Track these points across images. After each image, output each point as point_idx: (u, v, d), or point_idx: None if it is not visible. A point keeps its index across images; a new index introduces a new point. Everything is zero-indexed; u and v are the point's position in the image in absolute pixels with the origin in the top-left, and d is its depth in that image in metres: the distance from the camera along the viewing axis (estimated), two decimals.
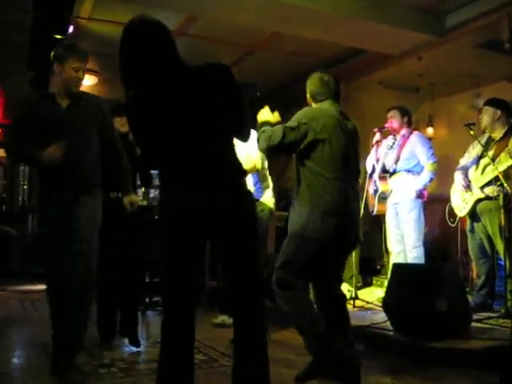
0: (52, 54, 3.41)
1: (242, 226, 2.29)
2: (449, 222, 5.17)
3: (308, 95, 3.36)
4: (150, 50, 2.27)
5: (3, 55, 6.76)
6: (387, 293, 4.24)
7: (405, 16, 5.74)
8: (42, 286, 3.74)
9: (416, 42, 6.08)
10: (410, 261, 5.12)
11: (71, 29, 5.72)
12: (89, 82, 7.63)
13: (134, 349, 3.95)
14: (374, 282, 6.57)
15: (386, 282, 5.04)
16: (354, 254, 5.45)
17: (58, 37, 5.63)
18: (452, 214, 5.08)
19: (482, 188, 4.62)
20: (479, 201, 4.66)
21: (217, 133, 2.27)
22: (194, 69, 2.28)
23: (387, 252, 5.68)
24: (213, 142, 2.26)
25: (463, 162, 4.95)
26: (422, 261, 5.16)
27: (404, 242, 5.23)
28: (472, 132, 4.64)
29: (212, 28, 6.06)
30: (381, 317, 4.33)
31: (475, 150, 4.84)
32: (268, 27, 5.95)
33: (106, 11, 5.70)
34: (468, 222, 4.87)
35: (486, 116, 4.73)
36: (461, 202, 4.85)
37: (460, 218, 5.01)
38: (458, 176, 4.89)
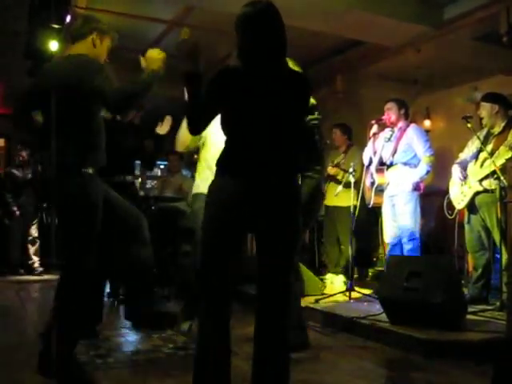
0: (90, 22, 3.22)
1: (287, 220, 2.32)
2: (447, 215, 5.19)
3: None
4: (275, 36, 2.40)
5: (1, 44, 6.74)
6: (383, 284, 4.25)
7: (403, 7, 5.72)
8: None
9: (414, 34, 6.07)
10: (406, 253, 5.14)
11: (69, 18, 5.69)
12: None
13: (131, 339, 3.95)
14: (370, 274, 6.59)
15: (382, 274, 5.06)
16: (350, 245, 5.48)
17: (56, 26, 5.60)
18: (450, 206, 5.10)
19: (480, 181, 4.64)
20: (477, 194, 4.69)
21: (290, 134, 2.37)
22: (291, 70, 2.52)
23: (383, 244, 5.70)
24: (285, 141, 2.35)
25: (463, 156, 4.97)
26: (417, 253, 5.18)
27: (400, 234, 5.25)
28: (469, 125, 4.65)
29: (209, 18, 6.04)
30: (376, 308, 4.34)
31: (474, 144, 4.85)
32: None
33: (104, 1, 5.68)
34: (466, 214, 4.90)
35: (485, 112, 4.74)
36: (459, 194, 4.88)
37: (458, 210, 5.02)
38: (456, 169, 4.92)
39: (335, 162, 6.17)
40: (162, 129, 4.20)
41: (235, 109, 2.33)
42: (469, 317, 4.04)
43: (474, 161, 4.78)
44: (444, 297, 3.70)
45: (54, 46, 5.83)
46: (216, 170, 2.36)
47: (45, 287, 6.62)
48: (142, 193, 6.25)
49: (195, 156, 4.39)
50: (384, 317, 4.08)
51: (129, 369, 3.33)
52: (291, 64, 3.32)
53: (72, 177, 2.94)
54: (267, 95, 2.30)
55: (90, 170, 2.99)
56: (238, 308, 4.71)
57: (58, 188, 2.95)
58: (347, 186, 5.75)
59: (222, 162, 2.36)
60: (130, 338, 3.96)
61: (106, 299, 5.53)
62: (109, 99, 2.95)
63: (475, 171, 4.72)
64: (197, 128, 2.51)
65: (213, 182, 2.36)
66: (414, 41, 6.24)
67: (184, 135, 4.04)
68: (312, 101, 3.10)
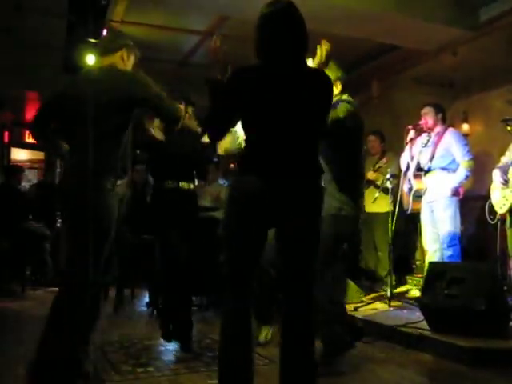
0: (118, 38, 3.46)
1: (310, 218, 2.33)
2: (489, 220, 5.09)
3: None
4: (294, 34, 2.43)
5: (39, 60, 6.90)
6: (423, 292, 4.19)
7: (438, 11, 5.66)
8: None
9: (450, 37, 5.99)
10: (446, 259, 5.06)
11: (105, 32, 5.79)
12: None
13: (171, 348, 3.97)
14: (409, 280, 6.49)
15: (421, 281, 4.98)
16: (388, 252, 5.42)
17: (93, 40, 5.70)
18: (492, 211, 5.01)
19: None
20: None
21: (312, 134, 2.37)
22: (312, 68, 2.59)
23: (422, 250, 5.62)
24: (306, 140, 2.35)
25: (504, 160, 4.89)
26: (458, 259, 5.09)
27: (440, 240, 5.17)
28: (509, 128, 4.58)
29: (243, 28, 6.04)
30: (417, 316, 4.28)
31: None
32: None
33: (139, 14, 5.77)
34: (508, 218, 4.81)
35: None
36: (501, 198, 4.80)
37: (500, 215, 4.93)
38: (496, 173, 4.85)
39: (376, 166, 6.10)
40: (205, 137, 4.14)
41: (255, 107, 2.32)
42: None
43: None
44: (487, 304, 3.63)
45: (91, 59, 5.95)
46: (238, 169, 2.39)
47: None
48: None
49: (231, 165, 4.40)
50: (424, 324, 4.01)
51: (169, 377, 3.34)
52: (334, 67, 3.34)
53: (95, 189, 2.87)
54: (288, 93, 2.30)
55: (112, 182, 2.97)
56: None
57: (83, 198, 2.86)
58: (385, 191, 5.70)
59: (243, 161, 2.37)
60: (169, 347, 3.98)
61: (145, 309, 5.61)
62: (165, 111, 3.13)
63: None
64: (216, 133, 2.54)
65: (234, 180, 2.41)
66: (450, 44, 6.16)
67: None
68: None
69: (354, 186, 3.40)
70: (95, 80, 3.16)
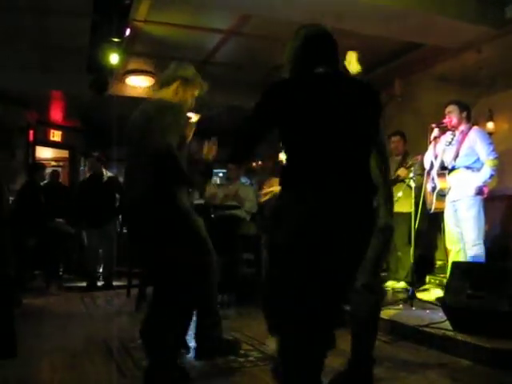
0: (177, 70, 3.41)
1: (361, 245, 2.27)
2: None
3: None
4: (333, 53, 2.44)
5: (64, 60, 6.98)
6: (446, 292, 4.15)
7: (463, 8, 5.59)
8: None
9: (475, 34, 5.92)
10: (469, 259, 5.00)
11: (128, 31, 5.84)
12: (145, 83, 7.80)
13: (191, 345, 3.96)
14: (431, 280, 6.44)
15: (444, 281, 4.94)
16: (411, 252, 5.37)
17: (116, 40, 5.76)
18: None
19: None
20: None
21: (365, 149, 2.31)
22: (355, 81, 2.55)
23: (446, 250, 5.56)
24: (360, 156, 2.27)
25: None
26: (482, 259, 5.02)
27: (463, 239, 5.11)
28: None
29: (265, 26, 6.07)
30: (439, 316, 4.24)
31: None
32: (323, 24, 5.90)
33: (162, 13, 5.80)
34: None
35: None
36: None
37: None
38: None
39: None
40: (208, 154, 3.93)
41: (299, 122, 2.20)
42: None
43: None
44: (511, 305, 3.58)
45: (114, 59, 6.02)
46: (283, 187, 2.26)
47: (107, 295, 6.79)
48: (201, 201, 6.30)
49: (253, 164, 4.39)
50: (447, 325, 3.98)
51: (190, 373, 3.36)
52: (354, 58, 3.28)
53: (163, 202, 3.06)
54: (334, 106, 2.22)
55: (177, 195, 3.11)
56: None
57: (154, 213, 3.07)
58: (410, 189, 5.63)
59: (289, 179, 2.25)
60: (190, 344, 3.99)
61: None
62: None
63: None
64: (246, 154, 2.50)
65: (283, 198, 2.25)
66: (475, 41, 6.08)
67: None
68: None
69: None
70: (140, 110, 3.30)
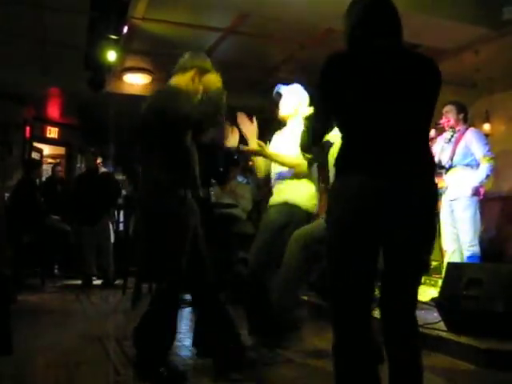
0: (195, 58, 3.40)
1: (427, 228, 2.11)
2: None
3: None
4: (392, 19, 2.32)
5: (61, 57, 6.96)
6: (441, 292, 4.16)
7: (460, 9, 5.60)
8: None
9: (472, 36, 5.93)
10: (465, 260, 5.02)
11: (126, 29, 5.84)
12: (142, 80, 7.79)
13: (187, 344, 3.97)
14: (426, 281, 6.45)
15: (439, 282, 4.94)
16: None
17: (114, 37, 5.76)
18: None
19: None
20: None
21: (423, 123, 2.16)
22: (415, 54, 2.25)
23: (441, 251, 5.57)
24: (419, 129, 2.14)
25: None
26: (477, 260, 5.04)
27: (459, 240, 5.13)
28: None
29: (264, 25, 6.07)
30: (434, 317, 4.25)
31: None
32: (321, 24, 5.91)
33: (160, 11, 5.79)
34: None
35: None
36: None
37: None
38: None
39: None
40: (231, 141, 3.82)
41: (358, 98, 2.07)
42: None
43: None
44: (506, 306, 3.59)
45: (111, 56, 6.01)
46: (337, 170, 2.13)
47: (103, 292, 6.78)
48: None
49: (250, 163, 4.36)
50: (442, 325, 3.98)
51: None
52: None
53: (165, 197, 3.13)
54: (394, 80, 2.08)
55: (182, 192, 3.14)
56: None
57: (151, 208, 3.18)
58: None
59: (345, 160, 2.11)
60: (185, 343, 4.00)
61: None
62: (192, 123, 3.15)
63: None
64: (320, 137, 2.39)
65: (335, 182, 2.12)
66: (473, 43, 6.10)
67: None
68: None
69: None
70: (151, 102, 3.31)
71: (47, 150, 10.77)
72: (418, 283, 2.16)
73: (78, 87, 7.24)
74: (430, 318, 4.34)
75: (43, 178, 9.00)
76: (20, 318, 4.41)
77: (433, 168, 2.18)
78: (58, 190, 8.25)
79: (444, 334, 3.88)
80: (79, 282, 7.33)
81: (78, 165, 10.53)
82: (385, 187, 1.98)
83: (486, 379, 3.25)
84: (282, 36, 6.40)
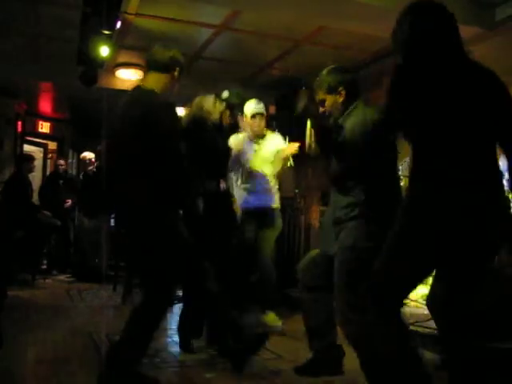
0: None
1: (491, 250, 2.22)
2: None
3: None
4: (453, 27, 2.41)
5: (53, 51, 6.93)
6: (431, 290, 4.17)
7: (453, 8, 5.56)
8: None
9: (465, 35, 5.86)
10: None
11: (119, 24, 5.82)
12: (135, 76, 7.76)
13: (177, 340, 3.96)
14: None
15: (430, 280, 4.95)
16: None
17: (106, 32, 5.74)
18: None
19: None
20: None
21: (489, 136, 2.15)
22: (479, 66, 2.27)
23: None
24: (489, 150, 2.14)
25: None
26: None
27: None
28: None
29: (257, 22, 6.05)
30: (424, 314, 4.26)
31: None
32: (314, 21, 5.90)
33: (153, 7, 5.76)
34: None
35: None
36: None
37: None
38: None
39: None
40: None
41: (431, 111, 2.10)
42: None
43: None
44: (493, 304, 3.60)
45: (104, 51, 6.00)
46: (412, 181, 2.20)
47: (94, 288, 6.77)
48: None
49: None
50: (432, 323, 3.99)
51: (174, 369, 3.37)
52: (333, 72, 3.06)
53: (147, 214, 2.92)
54: (465, 94, 2.11)
55: (164, 207, 2.95)
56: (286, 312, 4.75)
57: (137, 222, 2.96)
58: None
59: (418, 172, 2.16)
60: (176, 339, 4.00)
61: None
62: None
63: None
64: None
65: (409, 191, 2.20)
66: (465, 42, 6.07)
67: None
68: None
69: None
70: (131, 108, 3.05)
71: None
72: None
73: (70, 82, 7.20)
74: (420, 315, 4.36)
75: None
76: (10, 314, 4.40)
77: (502, 187, 2.19)
78: (60, 185, 8.25)
79: (435, 332, 3.88)
80: (70, 277, 7.34)
81: (70, 160, 10.48)
82: (454, 202, 2.01)
83: None
84: (275, 33, 6.39)
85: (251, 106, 4.73)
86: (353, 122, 2.86)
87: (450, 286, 2.21)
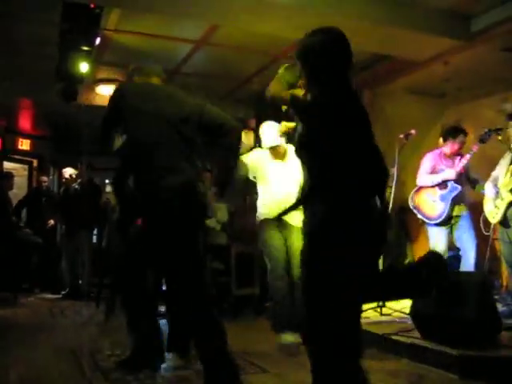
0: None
1: None
2: (484, 231, 5.13)
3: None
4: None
5: (32, 68, 6.90)
6: (415, 300, 4.19)
7: (430, 20, 5.69)
8: None
9: (442, 47, 6.02)
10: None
11: (98, 40, 5.82)
12: None
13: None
14: None
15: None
16: (380, 261, 5.42)
17: (86, 48, 5.73)
18: (486, 223, 5.05)
19: (511, 191, 4.63)
20: (510, 205, 4.66)
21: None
22: None
23: (415, 259, 5.64)
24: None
25: (494, 173, 4.94)
26: (451, 268, 5.10)
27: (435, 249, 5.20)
28: (500, 137, 4.61)
29: (235, 37, 6.09)
30: (408, 324, 4.29)
31: (505, 160, 4.83)
32: (293, 36, 5.95)
33: (132, 23, 5.78)
34: (500, 229, 4.86)
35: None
36: (493, 208, 4.85)
37: (493, 225, 4.98)
38: (489, 185, 4.92)
39: None
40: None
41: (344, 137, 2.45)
42: (504, 333, 3.95)
43: (503, 174, 4.77)
44: (477, 313, 3.63)
45: (84, 67, 5.99)
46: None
47: (76, 305, 6.71)
48: None
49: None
50: (416, 333, 4.02)
51: None
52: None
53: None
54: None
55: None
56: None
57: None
58: None
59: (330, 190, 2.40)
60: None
61: None
62: None
63: (505, 182, 4.72)
64: None
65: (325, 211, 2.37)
66: (442, 54, 6.20)
67: None
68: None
69: None
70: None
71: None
72: None
73: (49, 99, 7.17)
74: (404, 326, 4.38)
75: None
76: None
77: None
78: (42, 202, 8.20)
79: (418, 341, 3.91)
80: (53, 295, 7.27)
81: (51, 176, 10.40)
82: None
83: None
84: (255, 48, 6.43)
85: None
86: None
87: None
